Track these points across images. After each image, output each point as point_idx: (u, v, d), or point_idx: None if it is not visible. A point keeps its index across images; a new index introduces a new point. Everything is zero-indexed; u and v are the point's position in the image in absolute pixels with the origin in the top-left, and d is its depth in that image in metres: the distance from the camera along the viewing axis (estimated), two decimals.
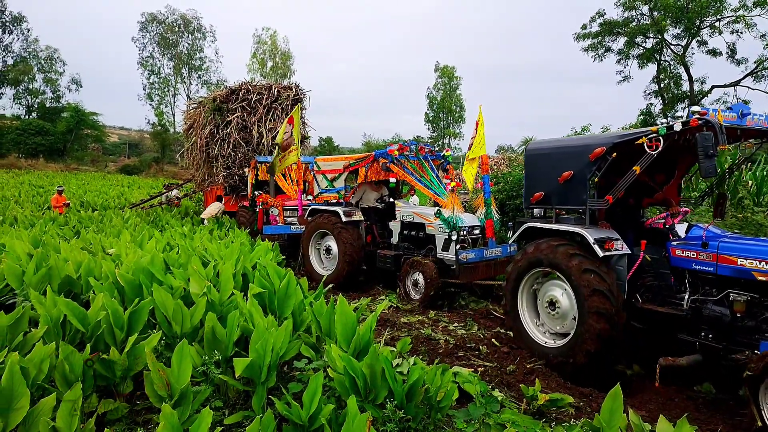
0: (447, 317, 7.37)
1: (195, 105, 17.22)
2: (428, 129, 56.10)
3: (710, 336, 4.72)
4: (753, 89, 29.19)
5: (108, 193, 23.59)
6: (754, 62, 28.59)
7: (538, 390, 4.22)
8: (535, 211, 6.29)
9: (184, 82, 55.88)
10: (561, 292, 5.53)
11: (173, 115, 53.76)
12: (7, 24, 50.67)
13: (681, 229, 5.53)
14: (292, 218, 11.33)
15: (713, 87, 30.57)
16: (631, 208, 6.14)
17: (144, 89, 54.40)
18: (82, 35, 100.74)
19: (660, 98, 32.23)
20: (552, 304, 5.62)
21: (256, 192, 12.59)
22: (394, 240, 9.15)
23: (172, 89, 55.43)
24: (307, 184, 10.86)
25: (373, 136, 51.94)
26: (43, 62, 53.28)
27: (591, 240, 5.15)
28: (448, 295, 8.28)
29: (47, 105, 53.20)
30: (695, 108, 4.56)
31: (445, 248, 8.05)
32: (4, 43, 51.28)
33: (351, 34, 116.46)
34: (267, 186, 12.68)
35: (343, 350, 3.75)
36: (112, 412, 3.52)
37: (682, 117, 4.68)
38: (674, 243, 5.20)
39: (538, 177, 5.94)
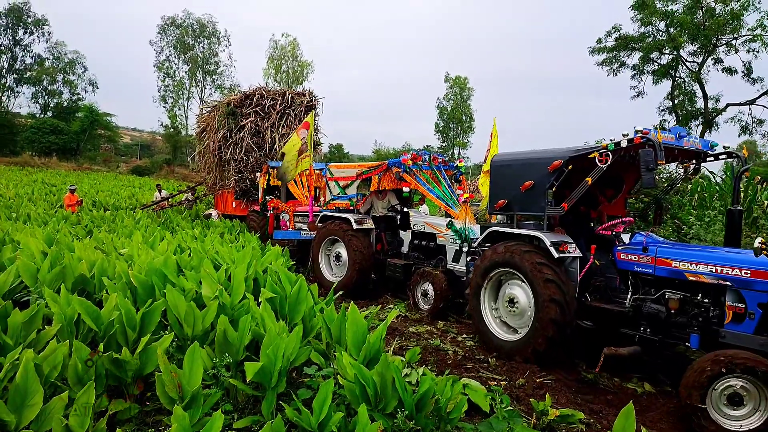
0: (456, 328, 7.34)
1: (209, 109, 17.32)
2: (438, 138, 56.19)
3: (648, 330, 5.32)
4: None
5: (119, 193, 23.77)
6: None
7: (549, 405, 4.19)
8: (498, 217, 6.90)
9: (198, 86, 56.43)
10: (519, 291, 6.04)
11: (186, 117, 54.29)
12: (29, 25, 51.43)
13: (626, 236, 6.20)
14: (302, 224, 11.35)
15: (728, 105, 30.37)
16: (582, 217, 6.77)
17: (159, 91, 54.98)
18: (98, 35, 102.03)
19: (674, 114, 32.04)
20: (512, 301, 6.12)
21: (267, 197, 12.63)
22: (405, 249, 9.13)
23: (186, 92, 55.96)
24: (318, 190, 10.88)
25: (383, 144, 52.13)
26: (65, 65, 54.05)
27: (548, 243, 5.68)
28: (457, 306, 8.25)
29: (64, 105, 53.87)
30: (639, 127, 5.07)
31: (456, 259, 8.03)
32: (25, 43, 52.03)
33: (361, 40, 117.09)
34: (278, 191, 12.72)
35: (353, 358, 3.74)
36: (122, 412, 3.53)
37: (628, 135, 5.18)
38: (619, 248, 5.78)
39: (503, 186, 6.49)
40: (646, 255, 5.43)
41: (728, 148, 5.62)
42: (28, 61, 52.77)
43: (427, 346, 6.29)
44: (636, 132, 5.08)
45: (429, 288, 7.94)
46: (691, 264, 5.06)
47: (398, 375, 3.43)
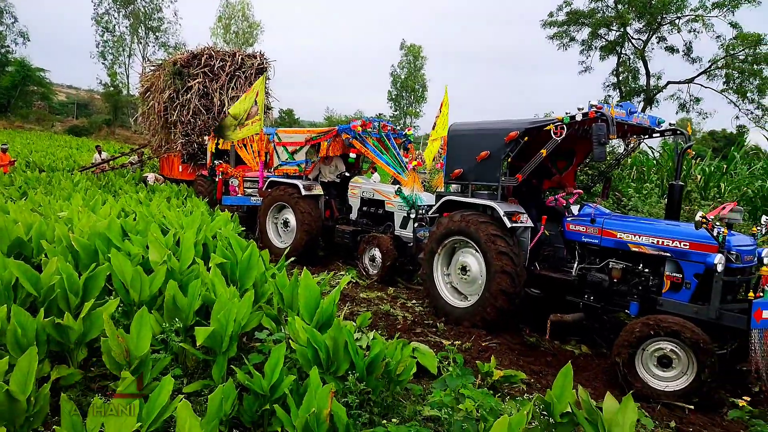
0: (405, 294, 7.48)
1: (153, 68, 16.52)
2: (390, 107, 55.92)
3: (592, 298, 5.57)
4: (705, 87, 30.30)
5: (56, 154, 22.56)
6: (708, 61, 29.66)
7: (493, 366, 4.37)
8: (453, 186, 6.96)
9: (141, 43, 53.53)
10: (472, 259, 6.19)
11: (127, 76, 51.50)
12: None
13: (575, 208, 6.34)
14: (252, 189, 11.14)
15: (668, 83, 31.57)
16: (535, 188, 6.96)
17: (97, 47, 51.78)
18: None
19: (618, 90, 33.07)
20: (464, 269, 6.26)
21: (216, 161, 12.30)
22: (353, 216, 9.17)
23: (128, 49, 53.03)
24: (268, 155, 10.68)
25: (335, 111, 51.43)
26: None
27: (501, 212, 5.79)
28: (406, 273, 8.39)
29: None
30: (594, 101, 5.23)
31: (403, 226, 8.14)
32: None
33: (318, 6, 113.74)
34: (227, 156, 12.40)
35: (306, 323, 3.77)
36: (66, 378, 3.45)
37: (583, 108, 5.33)
38: (568, 219, 5.95)
39: (459, 155, 6.52)
40: (593, 226, 5.61)
41: (673, 125, 5.86)
42: None
43: (378, 311, 6.40)
44: (591, 106, 5.21)
45: (376, 252, 8.03)
46: (634, 236, 5.28)
47: (351, 339, 3.48)
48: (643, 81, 32.22)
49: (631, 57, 32.57)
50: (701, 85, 30.31)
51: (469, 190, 6.47)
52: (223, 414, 2.85)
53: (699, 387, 4.40)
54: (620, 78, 32.80)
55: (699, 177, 10.23)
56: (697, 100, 30.88)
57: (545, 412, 3.31)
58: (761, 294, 4.46)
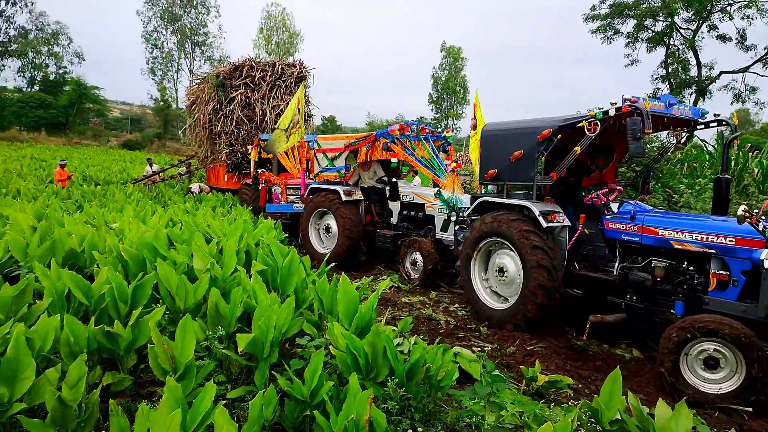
0: (448, 298, 7.41)
1: (198, 81, 17.06)
2: (431, 110, 55.77)
3: (634, 298, 5.39)
4: (762, 75, 28.84)
5: (110, 168, 23.56)
6: (764, 48, 28.22)
7: (538, 371, 4.25)
8: (490, 187, 6.89)
9: (187, 58, 55.48)
10: (508, 260, 6.12)
11: (176, 90, 53.54)
12: None
13: (615, 205, 6.21)
14: (294, 197, 11.31)
15: (721, 72, 30.20)
16: (573, 187, 6.79)
17: (147, 63, 54.05)
18: (85, 7, 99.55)
19: (667, 83, 31.88)
20: (501, 270, 6.20)
21: (259, 170, 12.55)
22: (394, 220, 9.15)
23: (176, 64, 55.04)
24: (309, 162, 10.83)
25: (376, 116, 51.68)
26: (49, 37, 52.85)
27: (536, 212, 5.74)
28: (448, 276, 8.31)
29: (50, 78, 52.87)
30: (627, 95, 5.05)
31: (444, 229, 8.07)
32: (7, 14, 50.69)
33: (357, 10, 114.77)
34: (270, 164, 12.64)
35: (345, 328, 3.77)
36: (116, 384, 3.57)
37: (616, 103, 5.16)
38: (608, 217, 5.80)
39: (493, 156, 6.45)
40: (633, 224, 5.46)
41: (719, 116, 5.61)
42: (12, 33, 51.55)
43: (420, 316, 6.35)
44: (624, 100, 5.06)
45: (418, 256, 7.99)
46: (677, 232, 5.11)
47: (389, 344, 3.46)
48: (693, 72, 31.00)
49: (680, 47, 31.39)
50: (757, 74, 28.92)
51: (504, 191, 6.41)
52: (264, 420, 2.88)
53: (751, 385, 4.17)
54: (669, 70, 31.63)
55: (756, 170, 9.71)
56: (753, 89, 29.46)
57: (593, 419, 3.19)
58: None
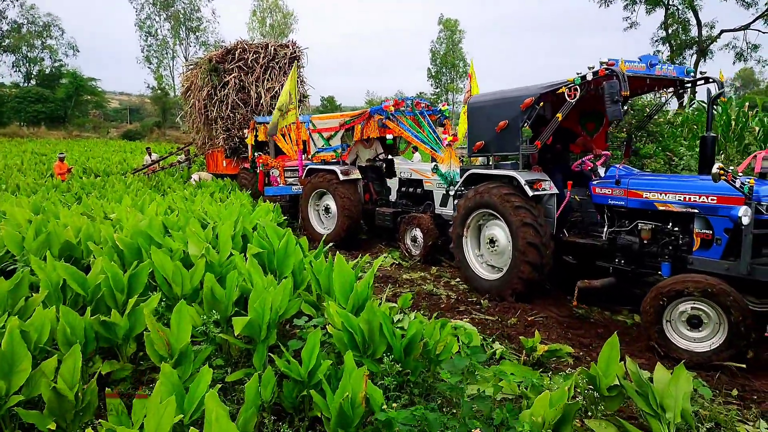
0: (449, 273, 7.40)
1: (191, 66, 16.89)
2: (431, 85, 55.23)
3: (622, 261, 5.44)
4: (764, 32, 28.34)
5: (110, 159, 23.55)
6: (766, 3, 27.63)
7: (538, 341, 4.25)
8: (480, 159, 6.91)
9: (182, 44, 54.96)
10: (499, 230, 6.16)
11: (173, 78, 53.12)
12: None
13: (603, 170, 6.15)
14: (293, 179, 11.26)
15: (722, 31, 29.71)
16: (560, 154, 6.78)
17: (142, 52, 53.60)
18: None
19: (668, 45, 31.37)
20: (492, 241, 6.25)
21: (256, 153, 12.48)
22: (393, 197, 9.11)
23: (171, 51, 54.56)
24: (306, 143, 10.75)
25: (376, 94, 51.22)
26: (41, 29, 52.46)
27: (522, 181, 5.74)
28: (449, 252, 8.27)
29: (46, 72, 52.64)
30: (604, 59, 5.01)
31: (443, 204, 8.02)
32: None
33: None
34: (267, 147, 12.56)
35: (341, 307, 3.77)
36: (116, 372, 3.59)
37: (594, 67, 5.11)
38: (595, 182, 5.78)
39: (479, 128, 6.47)
40: (618, 188, 5.45)
41: (704, 73, 5.53)
42: (5, 27, 51.22)
43: (420, 291, 6.36)
44: (601, 64, 5.02)
45: (417, 232, 7.97)
46: (660, 194, 5.11)
47: (386, 321, 3.45)
48: (694, 32, 30.46)
49: (680, 8, 30.77)
50: (759, 31, 28.49)
51: (492, 162, 6.43)
52: (260, 401, 2.89)
53: (736, 332, 4.19)
54: (669, 31, 31.08)
55: (757, 129, 9.57)
56: (755, 47, 28.98)
57: (591, 386, 3.19)
58: None
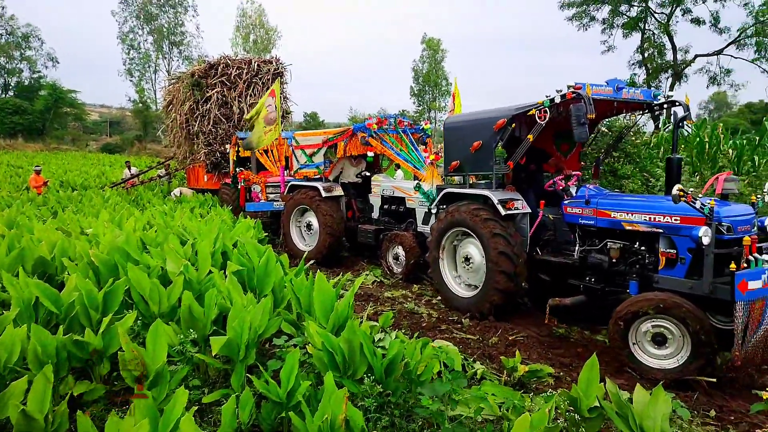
0: (431, 291, 7.38)
1: (174, 81, 16.80)
2: (414, 102, 55.63)
3: (593, 280, 5.55)
4: (736, 58, 29.21)
5: (89, 172, 23.19)
6: (737, 30, 28.56)
7: (518, 361, 4.25)
8: (456, 179, 7.05)
9: (165, 58, 54.69)
10: (473, 248, 6.29)
11: (154, 91, 52.72)
12: None
13: (575, 190, 6.21)
14: (274, 195, 11.20)
15: (696, 56, 30.52)
16: (533, 174, 6.94)
17: (124, 64, 53.19)
18: (58, 10, 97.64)
19: (644, 68, 32.14)
20: (467, 259, 6.37)
21: (237, 169, 12.41)
22: (375, 215, 9.11)
23: (153, 65, 54.25)
24: (288, 159, 10.73)
25: (359, 111, 51.39)
26: (20, 40, 51.83)
27: (495, 201, 5.88)
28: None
29: (25, 83, 51.92)
30: (570, 83, 5.18)
31: (426, 222, 8.03)
32: None
33: (337, 7, 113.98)
34: (249, 163, 12.50)
35: (321, 326, 3.72)
36: (88, 393, 3.48)
37: (561, 90, 5.28)
38: (566, 202, 5.87)
39: (455, 148, 6.62)
40: (588, 207, 5.56)
41: (670, 96, 5.70)
42: None
43: (402, 310, 6.33)
44: (568, 87, 5.18)
45: (399, 250, 7.96)
46: (627, 214, 5.22)
47: (366, 340, 3.42)
48: (669, 56, 31.27)
49: (656, 32, 31.65)
50: (731, 56, 29.28)
51: (467, 182, 6.55)
52: (238, 423, 2.83)
53: (696, 352, 4.29)
54: (645, 55, 31.87)
55: (731, 151, 9.81)
56: (728, 71, 29.82)
57: (572, 408, 3.18)
58: (745, 265, 4.26)
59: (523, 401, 3.53)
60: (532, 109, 5.57)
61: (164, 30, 53.61)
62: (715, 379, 4.29)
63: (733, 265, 4.20)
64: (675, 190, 4.25)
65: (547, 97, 5.40)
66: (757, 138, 10.28)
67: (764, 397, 3.91)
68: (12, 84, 52.36)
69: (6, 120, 44.39)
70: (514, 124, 5.88)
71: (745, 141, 10.23)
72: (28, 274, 4.40)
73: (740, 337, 4.12)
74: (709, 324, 4.32)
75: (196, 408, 2.91)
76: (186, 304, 3.78)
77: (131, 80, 53.21)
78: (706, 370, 4.33)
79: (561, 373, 4.57)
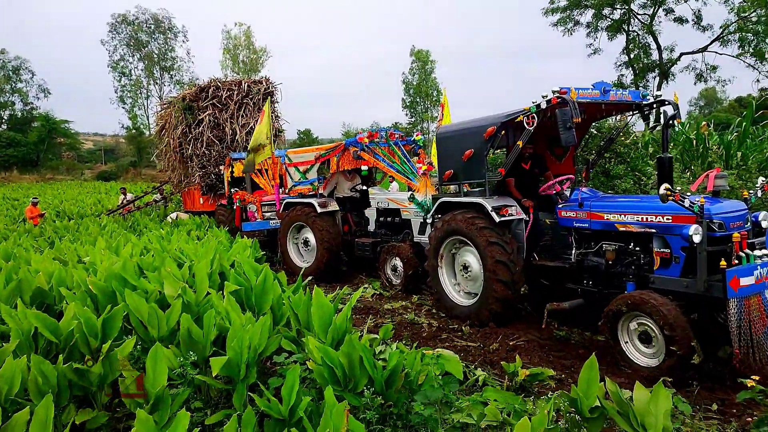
0: (430, 300, 7.39)
1: (166, 105, 16.94)
2: (406, 114, 55.92)
3: (590, 282, 5.54)
4: (720, 54, 29.52)
5: (84, 200, 23.21)
6: (720, 27, 28.89)
7: (519, 366, 4.26)
8: (452, 188, 7.05)
9: (157, 84, 54.99)
10: (471, 256, 6.30)
11: (147, 117, 52.97)
12: None
13: (569, 193, 6.20)
14: (270, 213, 11.24)
15: (682, 54, 30.88)
16: (536, 179, 6.89)
17: (116, 92, 53.45)
18: (47, 42, 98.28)
19: (631, 69, 32.44)
20: (465, 267, 6.39)
21: (233, 189, 12.45)
22: (371, 227, 9.14)
23: (145, 91, 54.54)
24: (282, 178, 10.79)
25: (352, 125, 51.67)
26: (11, 73, 52.12)
27: (489, 208, 5.88)
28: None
29: (18, 116, 52.11)
30: (555, 88, 5.17)
31: (422, 232, 8.07)
32: None
33: (324, 24, 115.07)
34: (244, 183, 12.55)
35: (320, 341, 3.74)
36: (91, 421, 3.48)
37: (547, 96, 5.25)
38: (560, 206, 5.89)
39: (448, 157, 6.63)
40: (582, 210, 5.57)
41: (659, 97, 5.72)
42: None
43: (402, 321, 6.34)
44: (554, 92, 5.20)
45: (397, 262, 7.99)
46: (620, 215, 5.23)
47: (366, 353, 3.43)
48: (655, 56, 31.59)
49: (640, 33, 31.98)
50: (716, 53, 29.64)
51: (461, 190, 6.59)
52: None
53: (668, 349, 4.35)
54: (631, 56, 32.18)
55: (717, 147, 9.88)
56: (714, 68, 30.09)
57: (572, 409, 3.19)
58: (736, 262, 4.28)
59: (525, 405, 3.54)
60: (520, 116, 5.61)
61: (155, 56, 53.96)
62: (671, 379, 4.26)
63: (723, 262, 4.22)
64: (662, 189, 4.27)
65: (533, 103, 5.44)
66: (739, 132, 10.28)
67: (749, 385, 3.95)
68: (5, 117, 52.54)
69: (0, 153, 44.50)
70: (504, 132, 5.91)
71: (735, 134, 10.35)
72: (26, 304, 4.41)
73: (737, 334, 4.14)
74: (684, 321, 4.32)
75: (199, 430, 2.91)
76: (185, 327, 3.79)
77: (124, 107, 53.48)
78: (677, 371, 4.33)
79: (563, 376, 4.58)
